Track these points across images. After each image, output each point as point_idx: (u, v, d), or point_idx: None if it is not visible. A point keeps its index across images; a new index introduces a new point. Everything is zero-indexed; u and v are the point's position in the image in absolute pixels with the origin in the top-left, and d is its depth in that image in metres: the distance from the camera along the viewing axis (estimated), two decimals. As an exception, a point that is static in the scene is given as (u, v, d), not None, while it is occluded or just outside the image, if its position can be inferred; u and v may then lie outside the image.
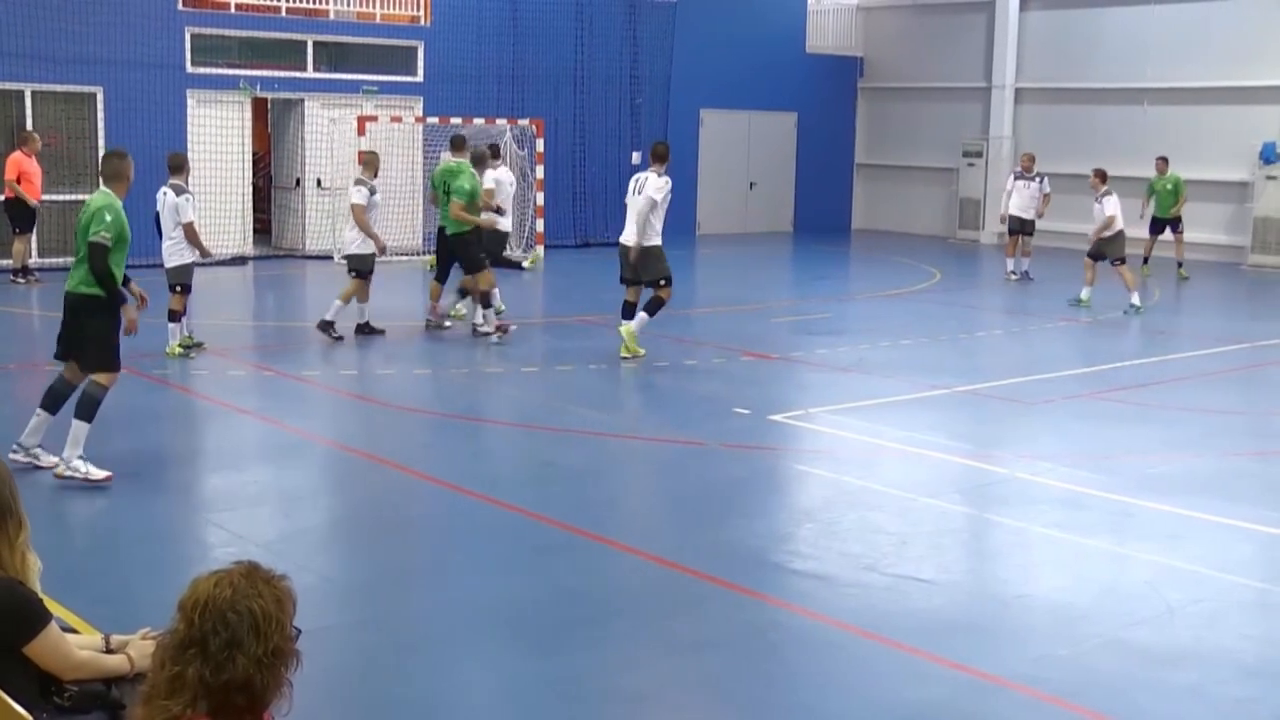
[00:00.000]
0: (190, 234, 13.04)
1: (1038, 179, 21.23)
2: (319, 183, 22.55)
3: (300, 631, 3.17)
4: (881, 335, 15.48)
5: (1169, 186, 22.30)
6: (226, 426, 10.82)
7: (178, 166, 13.43)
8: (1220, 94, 25.17)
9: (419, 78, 23.58)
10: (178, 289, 13.10)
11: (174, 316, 13.16)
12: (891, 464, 9.86)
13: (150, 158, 20.53)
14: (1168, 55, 25.84)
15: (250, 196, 22.26)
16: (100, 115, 20.42)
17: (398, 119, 22.83)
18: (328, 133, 22.34)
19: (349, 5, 23.13)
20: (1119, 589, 7.25)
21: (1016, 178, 21.50)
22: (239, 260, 21.17)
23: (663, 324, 14.65)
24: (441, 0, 23.48)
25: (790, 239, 28.33)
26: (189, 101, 21.19)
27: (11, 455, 8.53)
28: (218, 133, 21.40)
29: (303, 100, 22.50)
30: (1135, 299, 17.57)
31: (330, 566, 7.47)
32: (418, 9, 23.57)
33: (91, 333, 8.60)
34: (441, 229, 14.91)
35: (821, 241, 27.36)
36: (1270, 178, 24.21)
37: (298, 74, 22.41)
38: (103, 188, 8.83)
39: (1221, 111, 25.21)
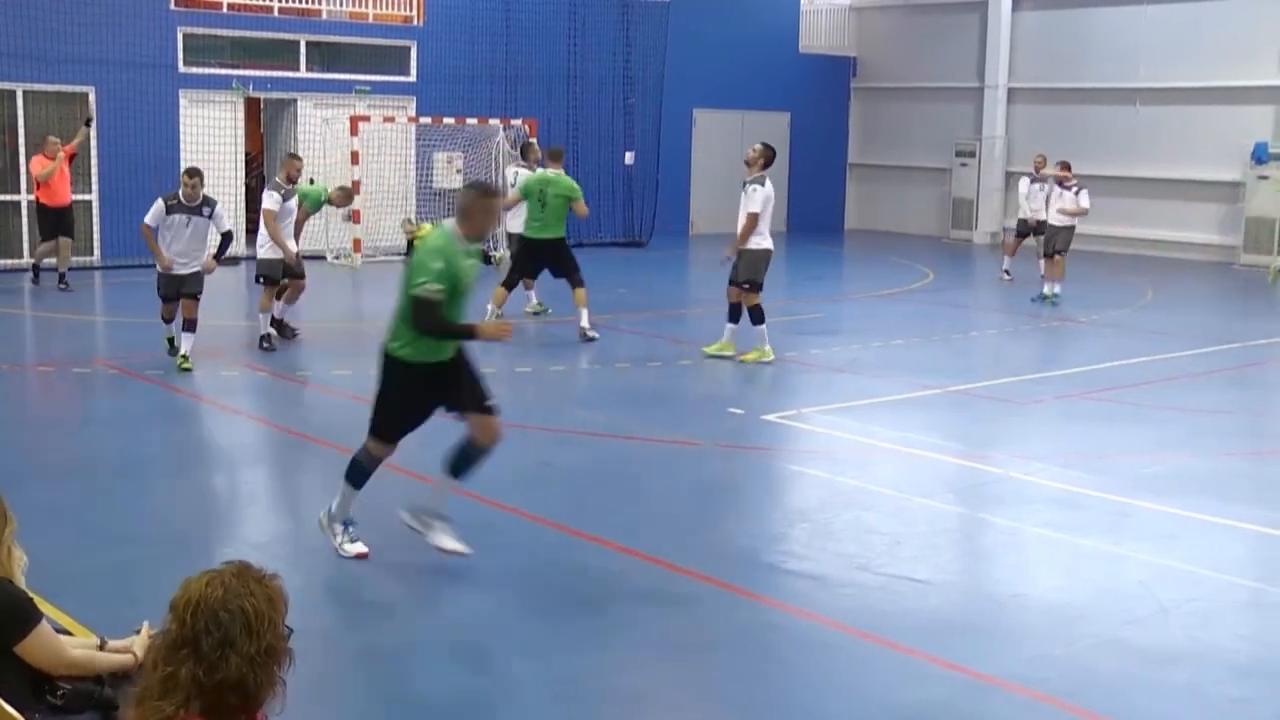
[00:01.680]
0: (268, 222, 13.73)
1: (1074, 187, 20.03)
2: (311, 182, 22.44)
3: (293, 630, 3.15)
4: (874, 335, 15.49)
5: None
6: (219, 426, 10.80)
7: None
8: (1212, 94, 25.20)
9: (412, 78, 23.56)
10: (261, 280, 13.78)
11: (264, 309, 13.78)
12: (885, 464, 9.86)
13: (142, 158, 20.61)
14: (1160, 55, 25.88)
15: (243, 197, 22.23)
16: (92, 115, 20.36)
17: (391, 119, 22.81)
18: (321, 133, 22.31)
19: (341, 5, 23.09)
20: (1114, 589, 7.25)
21: (1032, 180, 20.89)
22: (232, 260, 21.09)
23: (658, 324, 14.64)
24: (435, 0, 23.46)
25: (783, 239, 28.27)
26: (181, 101, 21.16)
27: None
28: (210, 133, 21.35)
29: (295, 100, 22.46)
30: (1057, 289, 18.27)
31: (324, 566, 7.44)
32: (410, 9, 23.55)
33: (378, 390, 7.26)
34: (522, 236, 15.30)
35: (815, 241, 27.36)
36: (1262, 178, 24.24)
37: (290, 74, 22.38)
38: (443, 224, 7.27)
39: (1213, 111, 25.25)
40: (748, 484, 9.41)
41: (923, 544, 7.95)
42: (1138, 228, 26.23)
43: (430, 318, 6.79)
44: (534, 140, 17.14)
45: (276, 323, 13.96)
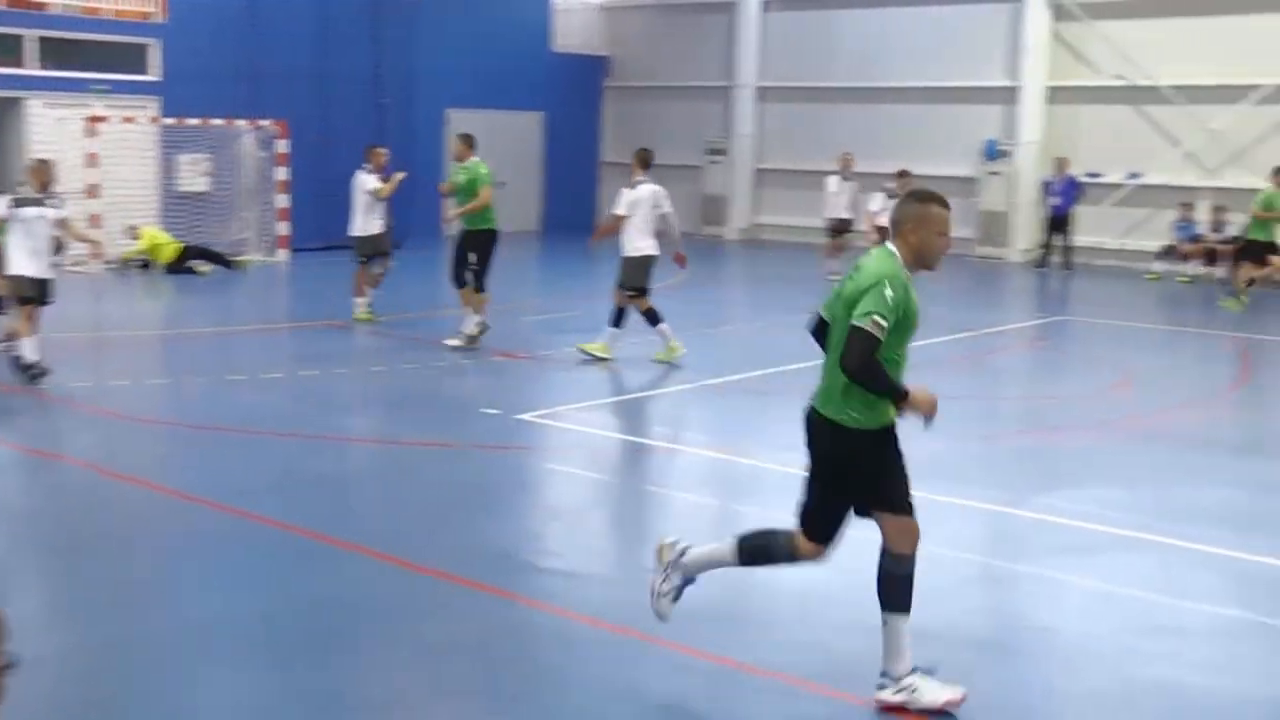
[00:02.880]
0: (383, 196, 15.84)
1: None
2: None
3: (11, 664, 3.00)
4: (630, 333, 15.59)
5: None
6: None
7: (369, 155, 16.47)
8: (947, 94, 26.30)
9: (154, 76, 22.71)
10: (364, 260, 15.59)
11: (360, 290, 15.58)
12: (638, 460, 9.97)
13: None
14: (901, 57, 26.84)
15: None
16: None
17: (131, 119, 21.94)
18: (54, 133, 21.27)
19: None
20: (858, 571, 7.43)
21: (844, 179, 21.44)
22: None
23: (411, 325, 14.45)
24: (175, -5, 22.69)
25: (537, 237, 28.38)
26: (-106, 101, 19.96)
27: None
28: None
29: (24, 99, 21.39)
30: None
31: (52, 589, 7.11)
32: (151, 4, 22.69)
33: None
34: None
35: (569, 239, 27.46)
36: (993, 173, 25.42)
37: (18, 71, 21.30)
38: (888, 245, 5.87)
39: (949, 111, 26.33)
40: (502, 483, 9.36)
41: (676, 537, 8.04)
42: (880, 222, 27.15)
43: (864, 358, 5.52)
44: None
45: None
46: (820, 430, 5.86)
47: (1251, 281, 18.77)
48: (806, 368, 13.65)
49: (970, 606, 6.95)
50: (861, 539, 7.99)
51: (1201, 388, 13.44)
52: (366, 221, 15.84)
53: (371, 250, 15.90)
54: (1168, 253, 22.84)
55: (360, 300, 15.82)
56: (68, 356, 13.30)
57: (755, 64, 28.98)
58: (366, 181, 15.91)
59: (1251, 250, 19.06)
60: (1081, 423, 11.52)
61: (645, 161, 13.77)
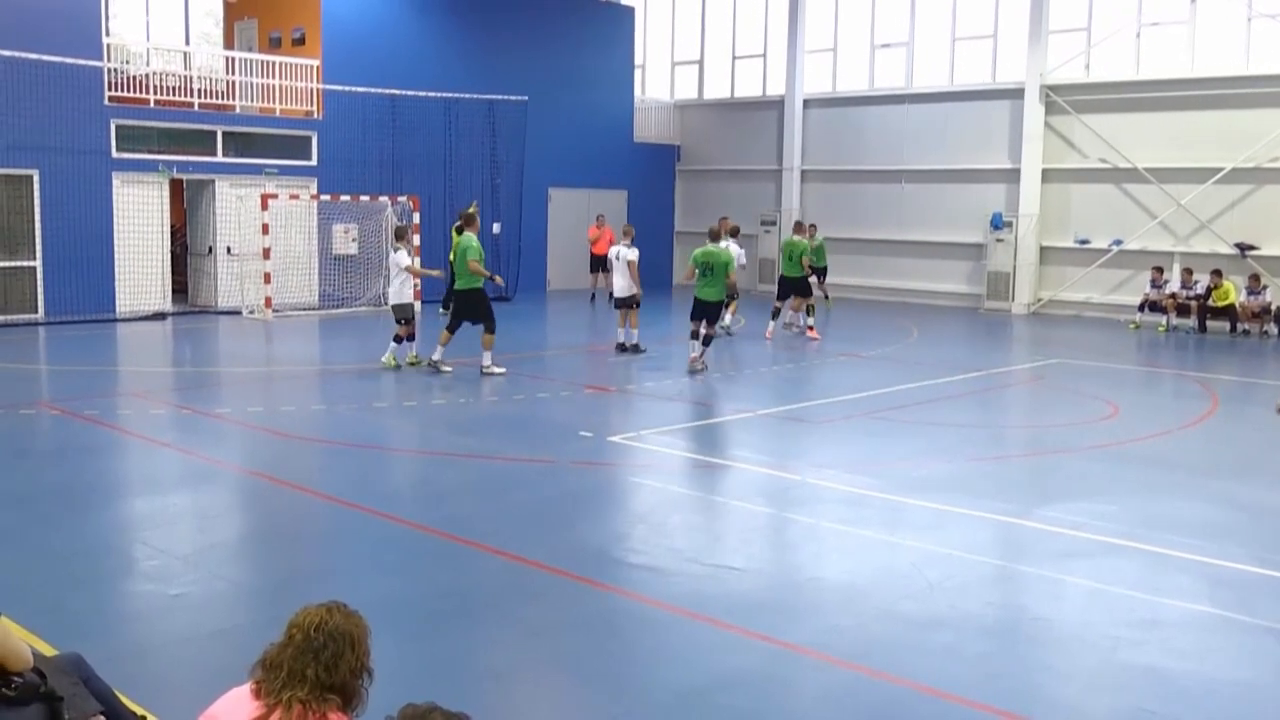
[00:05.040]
0: (415, 272, 15.65)
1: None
2: (228, 250, 21.96)
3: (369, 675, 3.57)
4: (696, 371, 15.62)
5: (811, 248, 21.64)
6: (148, 457, 10.41)
7: (400, 235, 15.77)
8: (959, 174, 26.14)
9: (314, 161, 23.15)
10: (402, 321, 15.25)
11: (397, 339, 15.24)
12: (708, 475, 9.94)
13: (80, 231, 19.89)
14: (920, 144, 26.75)
15: (169, 262, 21.58)
16: (36, 194, 19.61)
17: (295, 196, 22.37)
18: (235, 208, 21.77)
19: (252, 101, 22.64)
20: (891, 570, 7.40)
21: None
22: (160, 316, 20.48)
23: (519, 364, 14.53)
24: (332, 97, 23.12)
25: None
26: (114, 182, 20.46)
27: None
28: (140, 209, 20.70)
29: (213, 181, 21.90)
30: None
31: (240, 574, 7.23)
32: (311, 104, 23.16)
33: None
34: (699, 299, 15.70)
35: (649, 295, 27.49)
36: (999, 240, 25.17)
37: (209, 158, 21.81)
38: None
39: (960, 189, 26.15)
40: (595, 494, 9.38)
41: (738, 539, 8.03)
42: (904, 280, 27.08)
43: None
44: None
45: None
46: None
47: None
48: (841, 400, 13.64)
49: (982, 600, 6.85)
50: (893, 542, 7.95)
51: (1177, 418, 13.18)
52: (402, 290, 15.35)
53: (411, 314, 15.48)
54: (1150, 306, 22.48)
55: (409, 347, 15.41)
56: (245, 389, 13.56)
57: (799, 150, 28.97)
58: (402, 259, 15.30)
59: None
60: (1076, 446, 11.34)
61: (732, 230, 16.86)
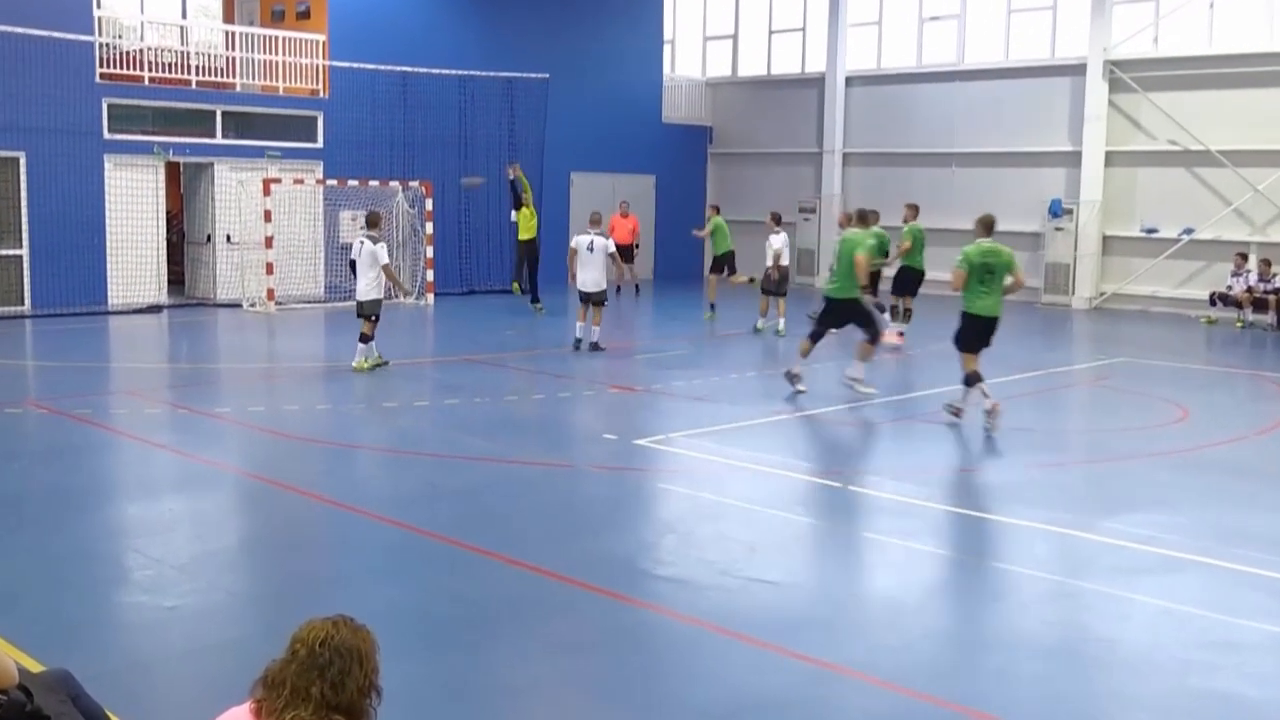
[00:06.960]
0: (388, 273, 14.65)
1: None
2: (228, 238, 22.10)
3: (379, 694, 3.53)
4: (729, 368, 15.61)
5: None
6: (143, 459, 10.48)
7: (374, 221, 14.82)
8: (1015, 158, 26.01)
9: (319, 144, 23.26)
10: (373, 318, 14.49)
11: (364, 339, 14.51)
12: (741, 481, 9.91)
13: (70, 217, 20.06)
14: (972, 125, 26.63)
15: (164, 251, 21.74)
16: (23, 178, 19.78)
17: (300, 181, 22.48)
18: (235, 193, 21.90)
19: (254, 79, 22.76)
20: (940, 586, 7.36)
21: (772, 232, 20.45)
22: (155, 308, 20.62)
23: (539, 361, 14.52)
24: (339, 74, 23.21)
25: (651, 285, 28.47)
26: (106, 165, 20.62)
27: None
28: (133, 194, 20.85)
29: (212, 164, 22.04)
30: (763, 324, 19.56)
31: (240, 584, 7.27)
32: (317, 82, 23.27)
33: None
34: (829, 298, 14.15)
35: (678, 287, 27.54)
36: (1058, 229, 25.02)
37: (207, 140, 21.95)
38: None
39: (1016, 173, 26.02)
40: (621, 500, 9.38)
41: (775, 550, 8.00)
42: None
43: None
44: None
45: None
46: None
47: None
48: (888, 401, 13.57)
49: (1043, 619, 6.80)
50: (943, 556, 7.91)
51: (1252, 423, 13.05)
52: (375, 285, 14.61)
53: (380, 311, 14.75)
54: (1221, 300, 22.27)
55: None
56: (246, 385, 13.63)
57: (841, 132, 28.89)
58: (381, 254, 14.55)
59: None
60: (1142, 453, 11.25)
61: (777, 219, 18.73)
